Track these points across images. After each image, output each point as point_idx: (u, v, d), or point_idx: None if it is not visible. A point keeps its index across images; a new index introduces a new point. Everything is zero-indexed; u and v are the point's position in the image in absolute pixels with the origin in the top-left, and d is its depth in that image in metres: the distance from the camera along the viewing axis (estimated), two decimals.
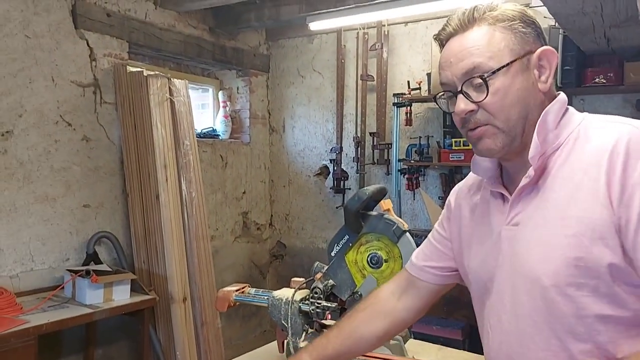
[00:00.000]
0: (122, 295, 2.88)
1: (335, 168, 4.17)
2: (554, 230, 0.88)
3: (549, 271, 0.88)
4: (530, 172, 0.93)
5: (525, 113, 0.93)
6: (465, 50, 0.94)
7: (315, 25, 3.65)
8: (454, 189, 1.21)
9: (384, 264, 1.45)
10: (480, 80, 0.92)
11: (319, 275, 1.51)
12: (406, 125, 3.67)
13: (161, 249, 3.17)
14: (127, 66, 3.32)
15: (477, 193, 1.10)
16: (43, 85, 2.89)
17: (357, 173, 4.11)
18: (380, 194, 1.44)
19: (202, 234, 3.39)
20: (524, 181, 0.94)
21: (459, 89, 0.94)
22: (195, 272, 3.32)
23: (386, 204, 1.45)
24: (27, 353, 2.38)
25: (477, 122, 0.94)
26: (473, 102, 0.93)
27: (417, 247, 1.44)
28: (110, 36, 3.22)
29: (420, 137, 3.72)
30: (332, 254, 1.50)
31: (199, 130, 4.03)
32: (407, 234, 1.42)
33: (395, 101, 3.68)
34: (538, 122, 0.92)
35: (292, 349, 1.55)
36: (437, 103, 1.04)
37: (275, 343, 1.71)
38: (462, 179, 3.82)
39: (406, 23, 3.88)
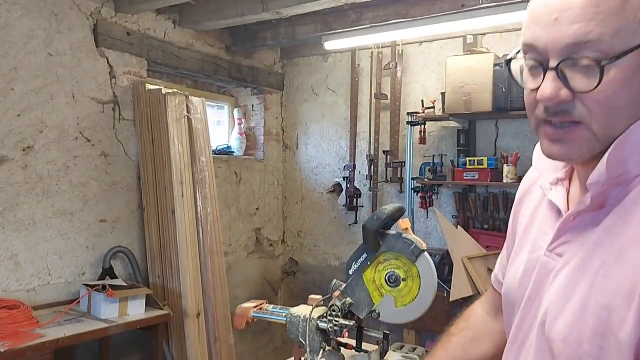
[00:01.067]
0: (137, 310, 2.89)
1: (348, 185, 4.19)
2: (598, 287, 0.67)
3: (569, 338, 0.69)
4: (587, 198, 0.71)
5: (632, 121, 0.68)
6: (585, 8, 0.64)
7: (330, 45, 3.69)
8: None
9: (402, 282, 1.46)
10: (593, 63, 0.65)
11: (336, 293, 1.52)
12: (420, 143, 3.69)
13: (176, 264, 3.19)
14: (146, 84, 3.38)
15: (537, 192, 0.89)
16: (63, 102, 2.95)
17: (370, 191, 4.13)
18: (399, 213, 1.45)
19: (217, 250, 3.41)
20: (577, 206, 0.73)
21: (555, 64, 0.68)
22: (209, 287, 3.34)
23: (404, 222, 1.46)
24: None
25: (566, 116, 0.69)
26: (571, 89, 0.67)
27: (433, 266, 1.45)
28: (129, 54, 3.28)
29: (433, 156, 3.73)
30: (350, 272, 1.51)
31: (214, 147, 4.07)
32: (426, 253, 1.43)
33: (409, 120, 3.70)
34: (619, 138, 0.68)
35: None
36: (508, 67, 0.77)
37: None
38: (476, 198, 3.77)
39: (420, 42, 3.92)
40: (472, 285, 2.92)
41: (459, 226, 3.30)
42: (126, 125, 3.29)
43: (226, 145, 4.30)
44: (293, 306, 1.60)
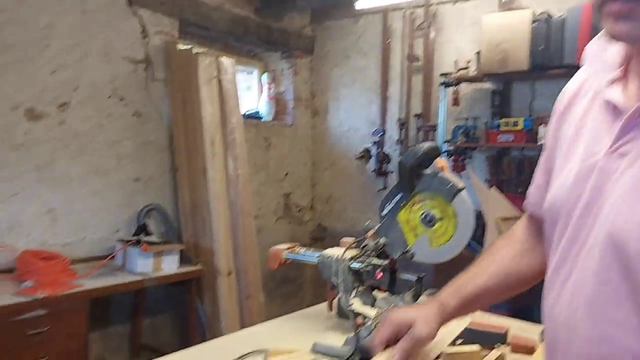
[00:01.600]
0: (170, 265, 2.95)
1: (378, 151, 4.15)
2: None
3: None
4: None
5: None
6: None
7: (361, 4, 3.63)
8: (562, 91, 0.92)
9: (438, 222, 1.44)
10: None
11: (370, 233, 1.51)
12: (453, 105, 3.62)
13: (208, 223, 3.23)
14: (177, 44, 3.38)
15: (585, 97, 0.83)
16: (97, 60, 2.98)
17: (400, 155, 4.08)
18: (435, 152, 1.43)
19: (247, 211, 3.44)
20: None
21: None
22: (240, 247, 3.37)
23: (441, 162, 1.43)
24: (80, 316, 2.46)
25: None
26: None
27: (470, 206, 1.43)
28: (162, 14, 3.29)
29: (467, 118, 3.66)
30: (384, 213, 1.50)
31: (243, 112, 4.07)
32: (463, 192, 1.40)
33: (443, 81, 3.63)
34: None
35: (342, 307, 1.56)
36: None
37: (322, 305, 1.72)
38: (510, 161, 3.70)
39: (454, 2, 3.82)
40: None
41: (493, 187, 3.25)
42: (158, 85, 3.31)
43: (255, 111, 4.29)
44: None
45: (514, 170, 3.51)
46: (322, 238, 4.74)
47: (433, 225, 1.44)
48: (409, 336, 0.98)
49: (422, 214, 1.45)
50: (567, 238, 0.77)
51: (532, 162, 3.44)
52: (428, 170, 1.44)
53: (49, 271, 2.52)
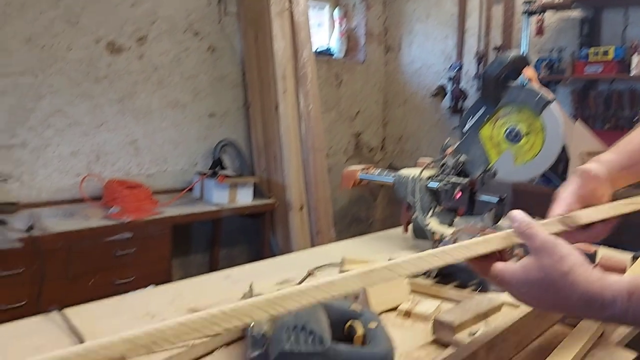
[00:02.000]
0: (245, 198, 3.02)
1: (453, 87, 3.99)
2: None
3: None
4: None
5: None
6: None
7: None
8: None
9: (524, 138, 1.36)
10: None
11: (449, 150, 1.45)
12: (536, 35, 3.38)
13: (280, 158, 3.26)
14: None
15: None
16: None
17: (478, 91, 3.90)
18: (523, 61, 1.33)
19: (318, 147, 3.44)
20: None
21: None
22: (311, 182, 3.40)
23: (529, 72, 1.34)
24: (163, 240, 2.60)
25: None
26: None
27: (560, 119, 1.33)
28: None
29: (551, 50, 3.43)
30: (466, 128, 1.43)
31: (315, 49, 4.01)
32: (553, 104, 1.31)
33: (526, 9, 3.39)
34: None
35: (417, 228, 1.53)
36: None
37: (396, 229, 1.71)
38: (597, 96, 3.46)
39: None
40: None
41: (577, 120, 3.05)
42: (231, 20, 3.31)
43: (327, 48, 4.22)
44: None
45: (601, 105, 3.28)
46: None
47: (518, 140, 1.37)
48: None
49: (507, 129, 1.38)
50: None
51: (621, 96, 3.20)
52: (515, 82, 1.35)
53: (134, 199, 2.65)
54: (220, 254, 3.39)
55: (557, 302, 0.63)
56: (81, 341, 0.91)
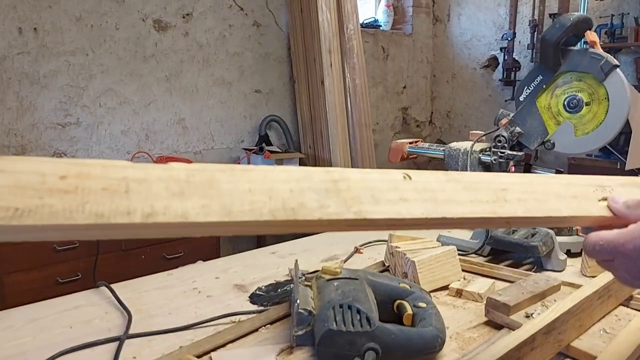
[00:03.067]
0: None
1: (505, 57, 3.83)
2: None
3: None
4: None
5: None
6: None
7: None
8: None
9: (585, 107, 1.27)
10: None
11: (504, 122, 1.37)
12: (596, 0, 3.18)
13: (326, 135, 3.23)
14: None
15: None
16: None
17: (532, 62, 3.73)
18: (586, 24, 1.23)
19: (365, 122, 3.38)
20: None
21: None
22: (358, 158, 3.35)
23: (592, 35, 1.24)
24: None
25: None
26: None
27: (626, 86, 1.24)
28: None
29: (612, 16, 3.22)
30: (521, 98, 1.35)
31: (361, 21, 3.92)
32: (618, 70, 1.21)
33: None
34: None
35: None
36: None
37: None
38: None
39: None
40: None
41: None
42: None
43: (373, 19, 4.12)
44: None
45: None
46: None
47: (579, 110, 1.28)
48: None
49: (567, 97, 1.29)
50: None
51: None
52: (576, 47, 1.26)
53: None
54: None
55: None
56: (129, 315, 0.92)
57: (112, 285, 1.04)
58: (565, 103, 1.29)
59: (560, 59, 1.26)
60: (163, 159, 2.77)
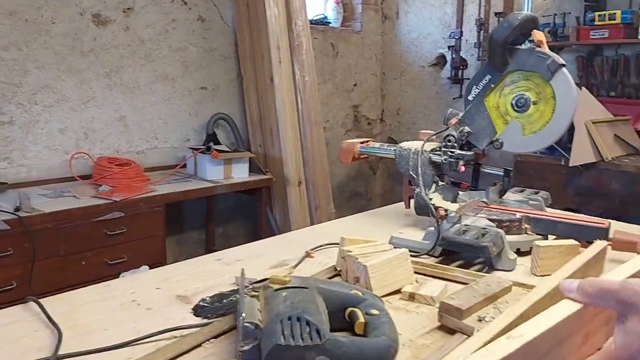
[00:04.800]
0: (240, 173, 2.94)
1: (453, 56, 3.88)
2: None
3: None
4: None
5: None
6: None
7: None
8: None
9: (532, 106, 1.27)
10: None
11: (453, 122, 1.36)
12: None
13: (276, 132, 3.17)
14: None
15: None
16: None
17: (479, 60, 3.79)
18: (533, 23, 1.24)
19: (315, 120, 3.34)
20: None
21: None
22: (309, 156, 3.31)
23: (538, 35, 1.24)
24: (156, 219, 2.52)
25: None
26: None
27: (572, 85, 1.25)
28: None
29: (555, 15, 3.31)
30: (470, 97, 1.34)
31: (310, 18, 3.88)
32: (564, 69, 1.22)
33: None
34: None
35: (420, 203, 1.46)
36: None
37: (398, 204, 1.63)
38: (603, 62, 3.37)
39: None
40: (596, 152, 2.64)
41: (583, 88, 2.96)
42: None
43: (322, 16, 4.09)
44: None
45: (607, 72, 3.18)
46: None
47: (527, 109, 1.28)
48: None
49: (515, 97, 1.29)
50: None
51: (628, 62, 3.10)
52: (523, 46, 1.26)
53: (124, 176, 2.58)
54: (216, 231, 3.33)
55: None
56: (59, 332, 0.84)
57: (46, 299, 0.96)
58: (513, 102, 1.29)
59: (508, 58, 1.26)
60: (104, 160, 2.64)
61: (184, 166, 2.99)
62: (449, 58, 3.95)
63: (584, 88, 2.95)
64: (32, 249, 2.10)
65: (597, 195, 2.71)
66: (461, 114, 1.38)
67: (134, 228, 2.42)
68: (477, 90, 1.33)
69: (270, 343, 0.72)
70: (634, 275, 0.60)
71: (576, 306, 0.52)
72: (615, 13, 2.94)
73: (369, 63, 4.35)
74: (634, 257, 0.80)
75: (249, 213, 3.37)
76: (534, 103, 1.27)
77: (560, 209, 2.27)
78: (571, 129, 2.83)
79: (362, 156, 1.57)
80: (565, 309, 0.52)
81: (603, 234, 1.23)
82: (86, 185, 2.57)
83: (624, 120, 2.87)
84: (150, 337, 0.84)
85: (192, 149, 2.94)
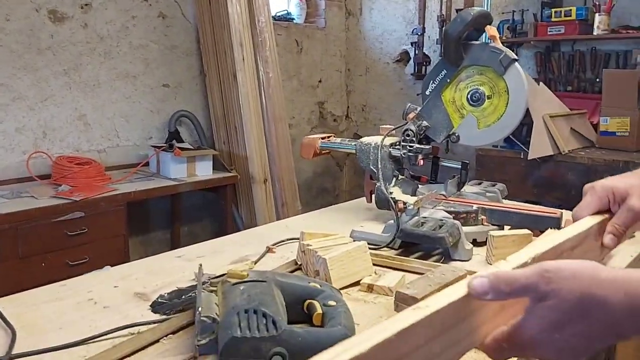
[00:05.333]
0: (204, 171, 2.92)
1: (416, 52, 3.93)
2: None
3: None
4: None
5: None
6: None
7: None
8: None
9: (487, 100, 1.31)
10: None
11: (411, 116, 1.39)
12: None
13: (240, 130, 3.16)
14: None
15: None
16: None
17: (441, 56, 3.84)
18: (485, 19, 1.27)
19: (280, 116, 3.34)
20: None
21: None
22: (274, 153, 3.31)
23: (491, 30, 1.28)
24: (118, 218, 2.48)
25: None
26: None
27: (524, 79, 1.28)
28: None
29: (513, 12, 3.39)
30: (427, 92, 1.37)
31: (273, 14, 3.87)
32: (517, 64, 1.26)
33: None
34: None
35: (380, 197, 1.48)
36: None
37: (361, 199, 1.65)
38: (560, 57, 3.44)
39: None
40: (553, 145, 2.71)
41: (541, 83, 3.04)
42: None
43: (286, 12, 4.08)
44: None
45: (563, 67, 3.27)
46: None
47: (482, 103, 1.31)
48: (625, 210, 0.79)
49: (470, 91, 1.32)
50: None
51: (584, 58, 3.20)
52: (477, 41, 1.29)
53: (84, 176, 2.53)
54: (182, 230, 3.30)
55: (600, 330, 0.49)
56: (13, 332, 0.83)
57: None
58: (469, 97, 1.32)
59: (463, 54, 1.29)
60: (63, 159, 2.58)
61: (147, 164, 2.94)
62: (412, 54, 3.99)
63: (541, 83, 3.03)
64: None
65: (554, 186, 2.79)
66: (419, 109, 1.40)
67: (96, 228, 2.37)
68: (434, 85, 1.36)
69: (227, 335, 0.72)
70: (541, 257, 0.61)
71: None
72: (570, 10, 3.03)
73: (333, 59, 4.37)
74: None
75: (215, 211, 3.35)
76: (489, 97, 1.30)
77: (521, 201, 2.34)
78: (530, 123, 2.90)
79: (324, 151, 1.59)
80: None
81: (555, 223, 1.27)
82: (45, 185, 2.51)
83: (580, 114, 2.96)
84: (106, 334, 0.83)
85: (155, 147, 2.91)
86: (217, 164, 3.03)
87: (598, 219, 0.81)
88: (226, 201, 3.08)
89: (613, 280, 0.49)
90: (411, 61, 4.04)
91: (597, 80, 3.11)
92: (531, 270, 0.51)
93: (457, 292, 0.50)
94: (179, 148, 2.82)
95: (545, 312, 0.50)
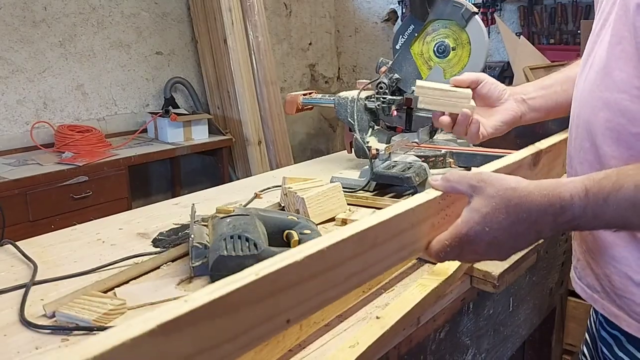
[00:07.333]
0: (200, 135, 3.04)
1: (403, 11, 3.98)
2: None
3: None
4: None
5: None
6: None
7: None
8: None
9: (452, 52, 1.42)
10: None
11: (383, 70, 1.50)
12: None
13: (233, 94, 3.26)
14: None
15: None
16: None
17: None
18: None
19: (271, 79, 3.43)
20: None
21: None
22: (267, 116, 3.42)
23: None
24: (120, 181, 2.62)
25: None
26: None
27: (484, 31, 1.39)
28: None
29: None
30: (397, 46, 1.48)
31: None
32: (477, 16, 1.36)
33: None
34: None
35: (358, 147, 1.60)
36: None
37: (343, 151, 1.78)
38: (542, 10, 3.48)
39: None
40: None
41: (521, 36, 3.12)
42: None
43: None
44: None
45: (546, 20, 3.35)
46: None
47: (447, 55, 1.42)
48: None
49: (436, 44, 1.43)
50: (597, 19, 0.75)
51: (565, 10, 3.27)
52: None
53: (86, 142, 2.65)
54: (182, 194, 3.44)
55: (521, 226, 0.59)
56: (34, 265, 0.97)
57: (18, 242, 1.08)
58: (435, 49, 1.43)
59: (428, 9, 1.39)
60: (65, 128, 2.70)
61: (145, 131, 3.06)
62: (399, 13, 4.05)
63: (522, 37, 3.11)
64: (1, 213, 2.18)
65: (537, 136, 2.89)
66: (390, 62, 1.51)
67: (100, 191, 2.51)
68: (403, 40, 1.46)
69: (215, 255, 0.86)
70: (498, 171, 0.74)
71: (416, 202, 0.61)
72: None
73: (322, 21, 4.42)
74: None
75: (213, 175, 3.48)
76: (453, 49, 1.41)
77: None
78: (511, 76, 3.01)
79: (306, 107, 1.70)
80: (407, 203, 0.61)
81: None
82: (49, 153, 2.64)
83: (560, 66, 3.04)
84: (114, 263, 0.97)
85: (152, 113, 3.02)
86: (212, 128, 3.15)
87: (532, 150, 0.93)
88: (223, 164, 3.21)
89: (535, 184, 0.60)
90: (399, 20, 4.09)
91: (579, 32, 3.19)
92: (470, 173, 0.64)
93: (388, 212, 0.58)
94: (175, 114, 2.93)
95: (476, 204, 0.61)
